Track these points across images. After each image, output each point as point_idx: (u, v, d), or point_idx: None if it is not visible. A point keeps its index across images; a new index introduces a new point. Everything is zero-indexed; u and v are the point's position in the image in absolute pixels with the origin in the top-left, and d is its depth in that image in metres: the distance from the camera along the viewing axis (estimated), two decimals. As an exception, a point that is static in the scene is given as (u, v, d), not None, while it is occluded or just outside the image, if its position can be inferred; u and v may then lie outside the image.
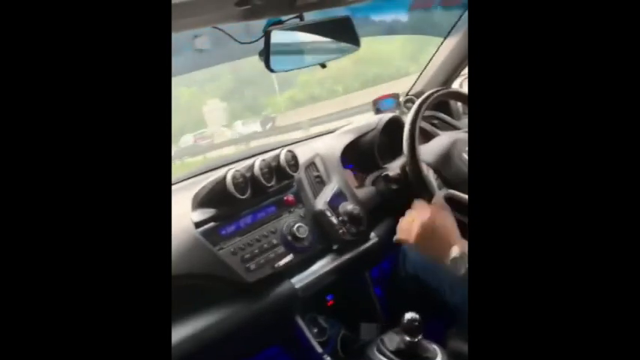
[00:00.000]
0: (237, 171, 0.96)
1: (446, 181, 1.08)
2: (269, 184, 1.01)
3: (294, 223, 1.02)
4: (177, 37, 0.67)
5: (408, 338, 0.86)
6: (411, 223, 0.92)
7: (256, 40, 0.78)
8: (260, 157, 1.02)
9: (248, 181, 0.98)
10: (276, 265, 0.97)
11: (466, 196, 1.02)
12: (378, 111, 1.58)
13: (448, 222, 0.90)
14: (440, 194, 0.96)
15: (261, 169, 1.00)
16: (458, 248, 0.83)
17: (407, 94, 1.63)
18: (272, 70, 0.79)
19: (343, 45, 0.90)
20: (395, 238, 0.98)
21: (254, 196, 1.00)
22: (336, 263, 1.08)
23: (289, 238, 1.01)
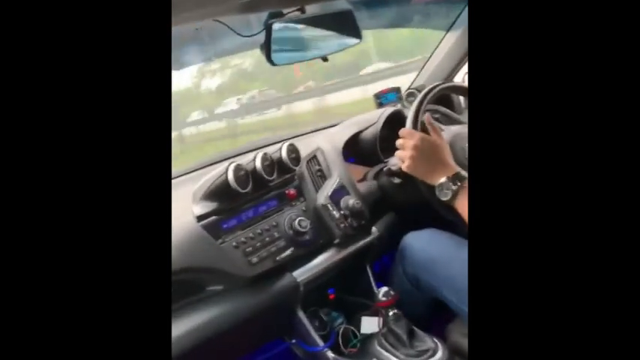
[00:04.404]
0: (238, 165, 0.96)
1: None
2: (270, 178, 1.01)
3: (295, 216, 1.02)
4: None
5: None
6: (404, 145, 0.96)
7: (258, 33, 0.78)
8: (261, 151, 1.02)
9: (249, 174, 0.98)
10: (277, 259, 0.98)
11: None
12: (380, 105, 1.58)
13: (438, 145, 0.94)
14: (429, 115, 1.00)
15: (262, 162, 1.00)
16: (445, 174, 0.89)
17: (409, 88, 1.63)
18: (273, 64, 0.79)
19: (345, 38, 0.89)
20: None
21: (255, 189, 1.00)
22: (337, 257, 1.08)
23: (291, 231, 1.01)
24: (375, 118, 1.36)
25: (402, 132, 0.97)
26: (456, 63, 1.58)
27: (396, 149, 0.98)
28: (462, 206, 0.87)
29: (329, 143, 1.24)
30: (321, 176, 1.15)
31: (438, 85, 1.11)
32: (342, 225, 1.08)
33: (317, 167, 1.16)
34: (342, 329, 1.07)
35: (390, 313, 0.98)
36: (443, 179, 0.88)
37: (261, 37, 0.78)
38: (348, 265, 1.13)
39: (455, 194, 0.87)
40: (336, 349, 1.03)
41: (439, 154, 0.93)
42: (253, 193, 1.00)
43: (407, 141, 0.95)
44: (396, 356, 0.94)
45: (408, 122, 1.04)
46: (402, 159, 0.96)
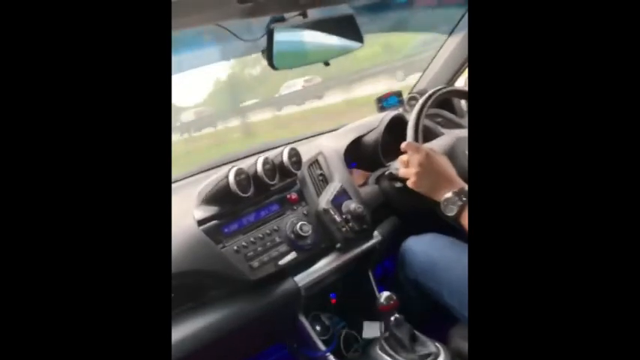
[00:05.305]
0: (239, 169, 0.96)
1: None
2: (272, 182, 1.01)
3: (297, 221, 1.02)
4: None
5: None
6: (408, 162, 0.94)
7: (260, 38, 0.78)
8: (263, 155, 1.02)
9: (251, 179, 0.98)
10: (279, 263, 0.97)
11: None
12: (381, 109, 1.58)
13: (443, 161, 0.92)
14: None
15: (264, 166, 1.00)
16: (450, 189, 0.87)
17: (410, 92, 1.63)
18: (274, 68, 0.79)
19: (346, 42, 0.89)
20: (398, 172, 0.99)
21: (257, 194, 1.00)
22: (339, 262, 1.08)
23: (292, 236, 1.01)
24: (376, 122, 1.36)
25: (406, 146, 0.95)
26: (457, 67, 1.58)
27: (398, 153, 0.97)
28: (467, 221, 0.85)
29: (331, 148, 1.24)
30: (323, 180, 1.15)
31: (439, 90, 1.11)
32: (344, 229, 1.07)
33: (318, 171, 1.16)
34: (343, 334, 1.06)
35: (392, 318, 0.98)
36: (448, 194, 0.86)
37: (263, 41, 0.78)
38: (349, 269, 1.13)
39: (460, 210, 0.85)
40: (337, 353, 1.02)
41: (444, 169, 0.91)
42: (255, 197, 1.00)
43: (412, 157, 0.92)
44: None
45: (410, 129, 1.04)
46: (406, 175, 0.94)
